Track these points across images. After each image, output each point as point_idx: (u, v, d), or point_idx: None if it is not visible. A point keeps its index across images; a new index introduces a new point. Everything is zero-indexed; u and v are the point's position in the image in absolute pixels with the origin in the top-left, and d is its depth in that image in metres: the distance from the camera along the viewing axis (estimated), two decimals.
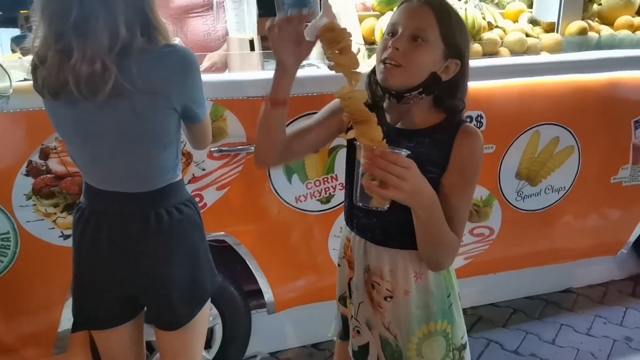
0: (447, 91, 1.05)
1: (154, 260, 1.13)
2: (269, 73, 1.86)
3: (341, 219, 1.84)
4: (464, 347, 1.18)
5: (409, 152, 0.93)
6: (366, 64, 1.95)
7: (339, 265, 1.32)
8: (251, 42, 2.00)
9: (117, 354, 1.26)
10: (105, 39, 0.95)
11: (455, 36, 1.03)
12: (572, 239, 2.22)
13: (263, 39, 2.07)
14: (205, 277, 1.21)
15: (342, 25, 0.99)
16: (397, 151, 0.92)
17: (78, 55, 0.95)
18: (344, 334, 1.35)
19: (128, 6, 0.98)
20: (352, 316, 1.24)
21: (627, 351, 2.07)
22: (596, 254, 2.35)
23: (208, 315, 1.28)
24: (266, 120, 1.06)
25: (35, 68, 1.01)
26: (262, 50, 2.02)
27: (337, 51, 0.94)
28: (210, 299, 1.25)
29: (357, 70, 0.96)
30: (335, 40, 0.93)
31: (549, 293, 2.46)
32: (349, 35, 0.94)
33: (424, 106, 1.07)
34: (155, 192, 1.12)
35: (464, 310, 1.26)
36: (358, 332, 1.22)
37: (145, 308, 1.24)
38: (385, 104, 1.12)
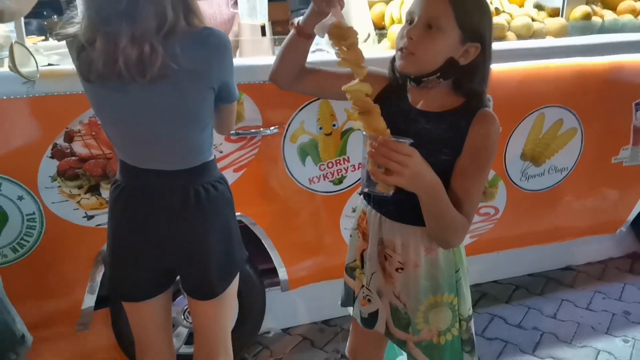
0: (466, 75, 1.08)
1: (194, 234, 1.18)
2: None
3: (352, 200, 1.91)
4: (470, 318, 1.25)
5: (412, 141, 0.98)
6: (376, 48, 1.99)
7: (350, 235, 1.38)
8: (262, 28, 2.03)
9: (149, 326, 1.31)
10: (153, 22, 0.99)
11: (473, 20, 1.05)
12: (574, 217, 2.29)
13: (274, 24, 2.11)
14: (237, 250, 1.28)
15: (353, 12, 1.06)
16: (401, 140, 0.97)
17: (127, 37, 0.99)
18: (346, 302, 1.44)
19: None
20: (363, 285, 1.30)
21: (626, 324, 2.16)
22: (596, 233, 2.42)
23: (237, 287, 1.34)
24: (288, 44, 1.19)
25: (80, 51, 1.04)
26: (273, 35, 2.06)
27: (344, 47, 1.00)
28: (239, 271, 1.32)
29: (363, 65, 1.01)
30: (342, 37, 1.00)
31: (550, 270, 2.55)
32: (355, 33, 1.01)
33: (444, 89, 1.12)
34: (193, 170, 1.17)
35: (469, 287, 1.33)
36: (369, 300, 1.29)
37: (181, 279, 1.29)
38: (408, 85, 1.17)
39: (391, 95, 1.18)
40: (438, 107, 1.12)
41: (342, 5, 1.08)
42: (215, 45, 1.09)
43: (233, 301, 1.35)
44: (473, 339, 1.26)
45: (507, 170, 2.07)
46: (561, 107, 2.04)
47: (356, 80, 1.00)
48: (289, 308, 2.14)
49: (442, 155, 1.09)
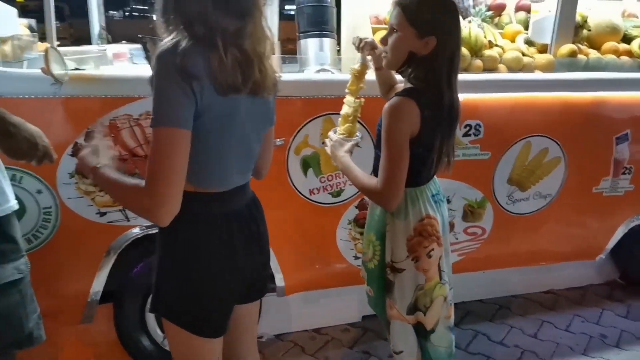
0: (419, 65, 1.31)
1: (266, 242, 1.30)
2: (287, 75, 2.06)
3: (349, 212, 2.02)
4: (397, 270, 1.43)
5: (359, 138, 1.56)
6: None
7: None
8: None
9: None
10: (265, 46, 1.09)
11: (422, 17, 1.28)
12: (556, 242, 2.42)
13: (282, 42, 2.25)
14: None
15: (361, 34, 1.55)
16: (352, 139, 1.53)
17: (255, 57, 1.06)
18: None
19: None
20: None
21: (602, 346, 2.27)
22: (577, 258, 2.54)
23: None
24: (376, 76, 1.65)
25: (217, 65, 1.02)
26: (282, 54, 2.20)
27: (362, 85, 1.58)
28: None
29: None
30: (359, 78, 1.57)
31: (533, 293, 2.66)
32: (366, 67, 1.57)
33: None
34: (248, 182, 1.26)
35: (455, 304, 1.48)
36: None
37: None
38: None
39: None
40: None
41: (370, 52, 1.57)
42: None
43: None
44: (394, 289, 1.45)
45: (494, 193, 2.20)
46: (547, 137, 2.18)
47: (358, 100, 1.55)
48: (282, 315, 2.22)
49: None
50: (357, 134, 1.57)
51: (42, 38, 2.35)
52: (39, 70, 1.50)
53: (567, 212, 2.37)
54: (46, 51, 1.38)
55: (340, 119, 1.58)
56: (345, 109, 1.57)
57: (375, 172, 1.42)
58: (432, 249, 1.41)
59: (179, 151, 0.98)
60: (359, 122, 1.82)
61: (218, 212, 1.13)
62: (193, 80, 0.97)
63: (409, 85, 1.36)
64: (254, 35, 1.05)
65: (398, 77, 1.63)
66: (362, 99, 1.56)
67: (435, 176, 1.49)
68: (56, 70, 1.43)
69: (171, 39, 0.99)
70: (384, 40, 1.37)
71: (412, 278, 1.42)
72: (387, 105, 1.31)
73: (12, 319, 1.25)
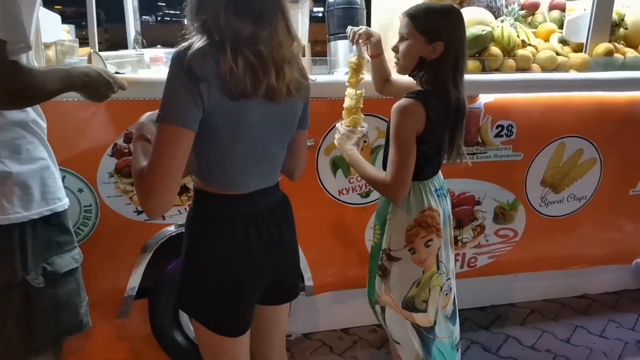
0: (429, 68, 1.40)
1: (291, 244, 1.29)
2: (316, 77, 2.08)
3: None
4: (393, 258, 1.50)
5: (366, 130, 1.60)
6: None
7: None
8: (303, 49, 2.19)
9: (245, 357, 1.28)
10: (288, 51, 1.08)
11: (429, 25, 1.37)
12: (590, 245, 2.37)
13: (312, 44, 2.27)
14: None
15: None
16: (357, 129, 1.57)
17: (272, 62, 1.04)
18: None
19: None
20: None
21: (638, 353, 2.20)
22: (612, 262, 2.48)
23: None
24: (371, 65, 1.67)
25: (228, 71, 1.00)
26: (312, 56, 2.22)
27: (361, 77, 1.61)
28: None
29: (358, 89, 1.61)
30: (357, 70, 1.59)
31: (565, 297, 2.61)
32: (363, 60, 1.60)
33: None
34: (277, 183, 1.25)
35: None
36: None
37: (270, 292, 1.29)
38: None
39: None
40: None
41: (366, 42, 1.59)
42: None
43: None
44: (389, 277, 1.51)
45: (527, 195, 2.17)
46: (581, 138, 2.14)
47: (359, 91, 1.59)
48: (310, 314, 2.24)
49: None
50: (363, 124, 1.61)
51: (81, 43, 2.44)
52: None
53: (602, 215, 2.32)
54: (89, 55, 1.45)
55: (344, 111, 1.62)
56: (348, 101, 1.61)
57: (385, 165, 1.46)
58: (431, 239, 1.47)
59: (179, 149, 0.99)
60: (376, 116, 1.87)
61: (234, 214, 1.14)
62: (200, 81, 0.98)
63: (418, 87, 1.42)
64: (273, 39, 1.04)
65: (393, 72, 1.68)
66: (363, 90, 1.60)
67: (440, 172, 1.55)
68: None
69: (189, 42, 1.01)
70: (395, 48, 1.45)
71: (409, 270, 1.48)
72: (395, 105, 1.38)
73: (69, 306, 1.34)
